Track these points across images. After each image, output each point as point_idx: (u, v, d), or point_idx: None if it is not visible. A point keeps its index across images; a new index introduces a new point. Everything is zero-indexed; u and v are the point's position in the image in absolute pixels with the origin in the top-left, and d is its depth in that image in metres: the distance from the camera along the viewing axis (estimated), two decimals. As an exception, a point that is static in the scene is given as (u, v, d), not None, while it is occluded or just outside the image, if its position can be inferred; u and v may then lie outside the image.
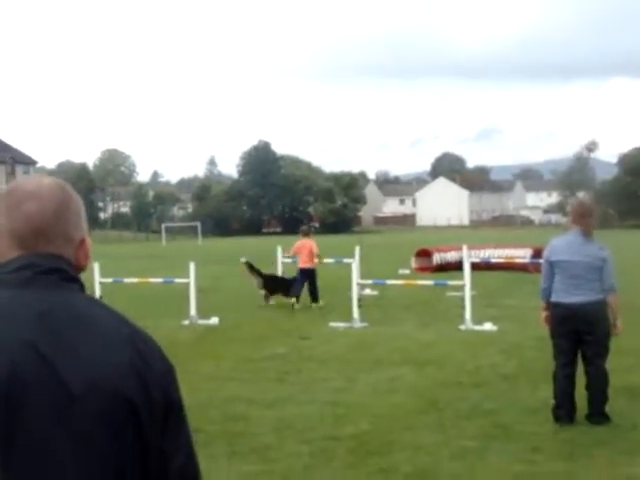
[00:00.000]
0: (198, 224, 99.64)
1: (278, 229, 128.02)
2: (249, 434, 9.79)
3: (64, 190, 2.34)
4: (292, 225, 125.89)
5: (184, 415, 2.28)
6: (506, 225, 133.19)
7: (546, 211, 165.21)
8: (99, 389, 2.10)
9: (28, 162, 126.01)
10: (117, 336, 2.19)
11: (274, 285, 24.05)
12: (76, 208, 2.35)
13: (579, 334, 9.78)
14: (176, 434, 2.23)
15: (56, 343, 2.11)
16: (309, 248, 23.27)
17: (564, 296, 9.79)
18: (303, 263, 23.31)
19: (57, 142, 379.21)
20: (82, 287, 2.31)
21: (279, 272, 26.65)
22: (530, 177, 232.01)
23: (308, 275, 23.23)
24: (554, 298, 9.89)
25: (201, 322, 19.56)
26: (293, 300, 22.85)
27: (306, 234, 23.77)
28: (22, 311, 2.14)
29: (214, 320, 19.73)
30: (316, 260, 23.43)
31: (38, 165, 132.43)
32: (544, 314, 10.19)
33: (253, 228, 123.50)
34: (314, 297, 23.10)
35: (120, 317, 2.27)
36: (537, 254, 30.68)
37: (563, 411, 9.90)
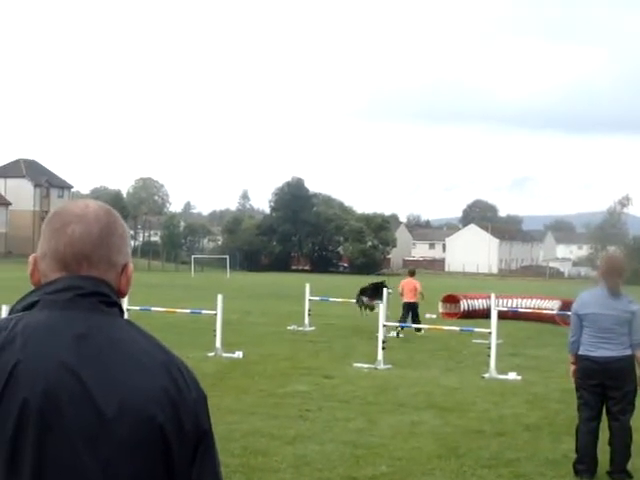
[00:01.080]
0: (227, 257, 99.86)
1: (307, 267, 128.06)
2: (268, 469, 9.79)
3: (110, 214, 2.35)
4: (321, 264, 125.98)
5: (214, 445, 2.27)
6: (535, 275, 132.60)
7: (576, 263, 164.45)
8: (131, 414, 2.11)
9: (63, 186, 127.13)
10: (153, 363, 2.20)
11: (372, 293, 28.67)
12: (121, 233, 2.36)
13: (605, 389, 9.71)
14: (205, 464, 2.22)
15: (92, 366, 2.12)
16: (414, 286, 27.80)
17: (592, 350, 9.72)
18: (407, 298, 27.58)
19: (93, 168, 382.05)
20: (122, 312, 2.33)
21: (306, 309, 27.13)
22: (562, 229, 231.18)
23: (411, 308, 27.53)
24: (582, 351, 9.82)
25: (226, 355, 19.57)
26: (397, 331, 25.52)
27: (412, 274, 28.95)
28: (60, 332, 2.16)
29: (238, 354, 19.73)
30: (419, 296, 27.62)
31: (73, 190, 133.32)
32: (572, 367, 10.12)
33: (281, 264, 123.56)
34: (417, 328, 26.02)
35: (158, 344, 2.28)
36: (566, 306, 30.52)
37: (584, 466, 9.82)
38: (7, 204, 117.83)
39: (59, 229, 2.29)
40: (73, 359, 2.11)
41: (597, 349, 9.68)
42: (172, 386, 2.19)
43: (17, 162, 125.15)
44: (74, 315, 2.20)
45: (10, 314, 2.26)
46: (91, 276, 2.27)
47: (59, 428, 2.06)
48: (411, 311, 27.47)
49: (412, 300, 27.46)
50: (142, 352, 2.21)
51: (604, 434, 9.93)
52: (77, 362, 2.11)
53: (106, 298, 2.28)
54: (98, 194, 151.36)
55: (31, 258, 2.34)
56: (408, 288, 27.72)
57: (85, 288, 2.24)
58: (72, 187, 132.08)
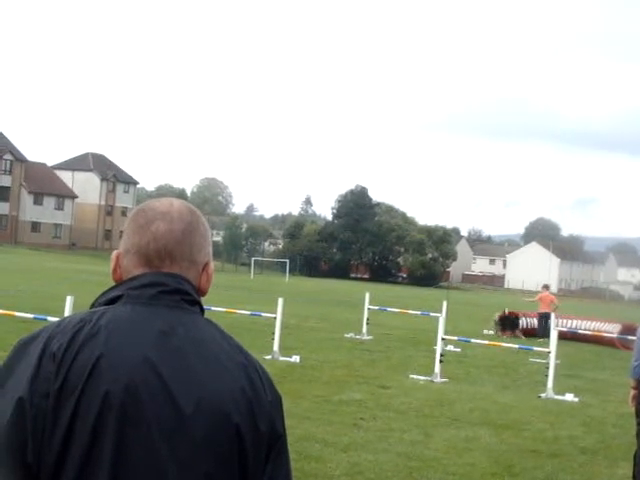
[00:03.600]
0: (287, 261, 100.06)
1: (365, 275, 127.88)
2: (321, 475, 9.81)
3: (193, 213, 2.38)
4: (380, 273, 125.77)
5: (287, 450, 2.29)
6: (594, 297, 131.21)
7: (637, 288, 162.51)
8: (209, 412, 2.13)
9: (129, 182, 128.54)
10: (232, 363, 2.23)
11: (506, 322, 34.15)
12: (203, 232, 2.39)
13: (666, 416, 9.59)
14: (277, 466, 2.24)
15: (173, 363, 2.15)
16: (550, 299, 33.48)
17: (654, 376, 9.61)
18: (543, 309, 33.02)
19: (158, 165, 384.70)
20: (202, 310, 2.35)
21: (364, 317, 27.15)
22: (624, 251, 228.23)
23: (546, 317, 31.91)
24: (644, 377, 9.72)
25: (282, 359, 19.65)
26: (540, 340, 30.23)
27: (547, 288, 34.79)
28: (144, 328, 2.19)
29: (295, 358, 19.80)
30: (552, 307, 32.36)
31: (138, 186, 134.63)
32: (632, 392, 10.01)
33: (341, 271, 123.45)
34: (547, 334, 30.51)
35: (237, 344, 2.30)
36: (626, 330, 30.22)
37: (641, 492, 9.71)
38: (74, 197, 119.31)
39: (143, 226, 2.32)
40: (155, 355, 2.14)
41: (660, 376, 9.56)
42: (249, 387, 2.21)
43: (85, 156, 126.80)
44: (157, 311, 2.23)
45: (92, 307, 2.29)
46: (174, 273, 2.30)
47: (139, 422, 2.09)
48: (544, 319, 32.28)
49: (547, 310, 32.08)
50: (221, 352, 2.23)
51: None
52: (159, 358, 2.14)
53: (188, 296, 2.30)
54: (162, 192, 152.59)
55: (114, 255, 2.38)
56: (545, 301, 33.35)
57: (169, 285, 2.27)
58: (138, 183, 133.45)
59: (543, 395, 17.73)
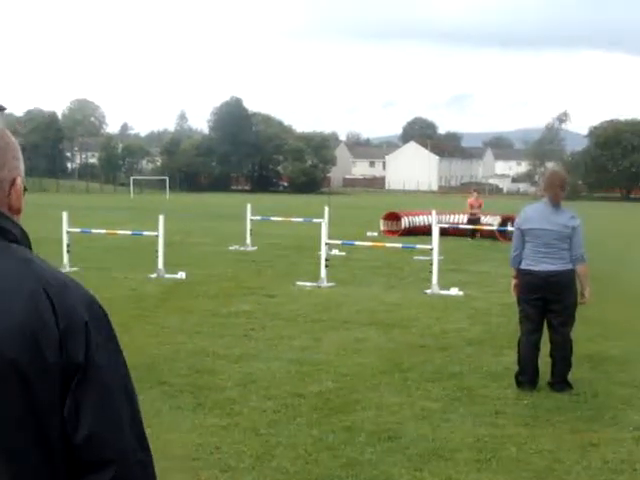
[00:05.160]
0: (166, 178, 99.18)
1: (247, 187, 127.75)
2: (214, 388, 9.83)
3: None
4: (261, 184, 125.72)
5: (96, 377, 2.06)
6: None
7: (514, 180, 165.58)
8: None
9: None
10: (15, 294, 2.03)
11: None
12: (2, 147, 2.19)
13: (546, 302, 9.86)
14: (80, 396, 2.04)
15: None
16: (478, 202, 35.21)
17: (533, 264, 9.85)
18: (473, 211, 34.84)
19: (26, 89, 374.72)
20: (14, 235, 2.16)
21: (247, 228, 27.20)
22: (500, 145, 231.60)
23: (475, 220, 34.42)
24: (524, 265, 9.95)
25: (168, 276, 19.51)
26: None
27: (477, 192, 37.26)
28: None
29: (181, 275, 19.67)
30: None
31: (6, 112, 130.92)
32: (514, 281, 10.24)
33: (221, 185, 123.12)
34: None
35: (32, 271, 2.09)
36: (505, 222, 30.88)
37: (526, 377, 10.00)
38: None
39: None
40: None
41: (539, 263, 9.81)
42: (34, 316, 2.02)
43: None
44: None
45: None
46: None
47: None
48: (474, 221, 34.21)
49: (477, 212, 34.60)
50: (6, 282, 2.05)
51: (545, 347, 10.12)
52: None
53: None
54: (32, 116, 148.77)
55: None
56: (474, 205, 35.13)
57: None
58: (5, 109, 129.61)
59: (429, 291, 18.03)
